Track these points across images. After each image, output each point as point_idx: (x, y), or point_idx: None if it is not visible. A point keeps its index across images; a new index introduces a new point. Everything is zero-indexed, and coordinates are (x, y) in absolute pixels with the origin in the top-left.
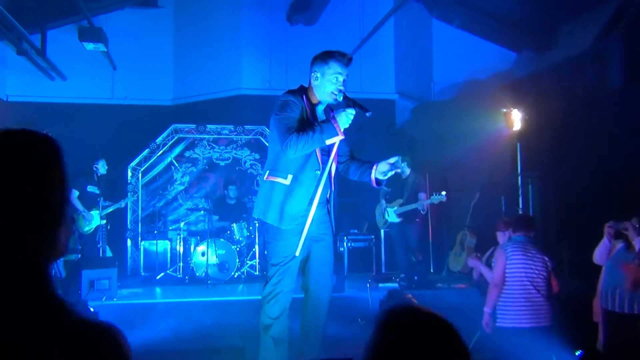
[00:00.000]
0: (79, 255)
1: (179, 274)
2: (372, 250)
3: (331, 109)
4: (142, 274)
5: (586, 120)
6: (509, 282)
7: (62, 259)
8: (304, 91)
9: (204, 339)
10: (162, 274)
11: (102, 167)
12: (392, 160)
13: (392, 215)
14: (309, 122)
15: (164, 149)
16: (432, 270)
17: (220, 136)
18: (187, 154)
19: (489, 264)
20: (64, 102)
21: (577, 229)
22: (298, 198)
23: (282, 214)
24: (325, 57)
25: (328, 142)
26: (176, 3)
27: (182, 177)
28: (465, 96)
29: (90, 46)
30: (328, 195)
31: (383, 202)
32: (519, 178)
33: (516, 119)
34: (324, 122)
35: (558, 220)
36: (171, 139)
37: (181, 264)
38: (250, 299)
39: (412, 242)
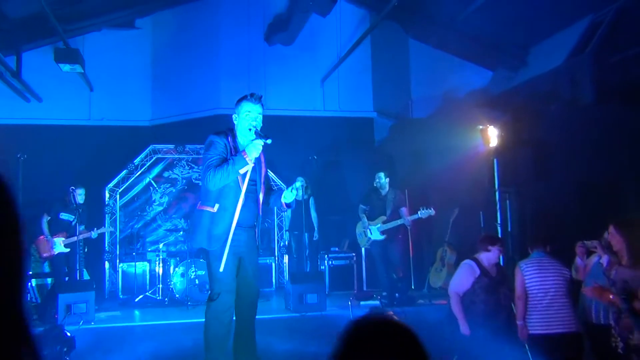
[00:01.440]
0: (53, 280)
1: (159, 296)
2: (353, 268)
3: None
4: (121, 296)
5: (561, 136)
6: (531, 294)
7: (36, 284)
8: (230, 131)
9: None
10: (141, 296)
11: (79, 196)
12: (297, 184)
13: (375, 232)
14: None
15: (142, 170)
16: (413, 287)
17: (199, 156)
18: (165, 174)
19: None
20: (40, 124)
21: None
22: (222, 222)
23: (210, 237)
24: (239, 100)
25: (241, 171)
26: (154, 24)
27: (160, 197)
28: (443, 113)
29: (66, 67)
30: (255, 220)
31: (364, 220)
32: (497, 193)
33: (492, 135)
34: (235, 155)
35: (536, 235)
36: (149, 160)
37: (161, 286)
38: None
39: (394, 259)
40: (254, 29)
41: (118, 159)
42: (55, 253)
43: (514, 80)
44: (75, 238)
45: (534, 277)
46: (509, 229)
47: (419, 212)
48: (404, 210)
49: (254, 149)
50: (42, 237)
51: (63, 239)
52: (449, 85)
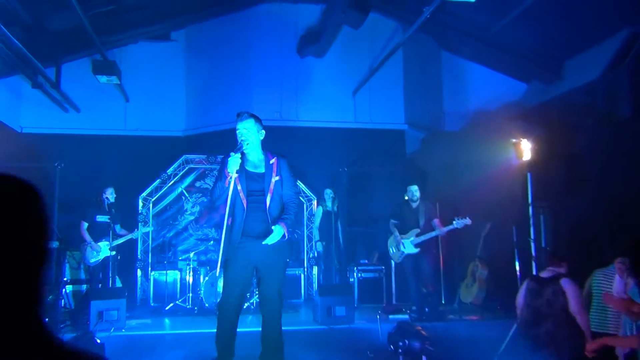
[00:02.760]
0: (88, 286)
1: (188, 305)
2: (382, 281)
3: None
4: (152, 304)
5: (596, 151)
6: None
7: (71, 290)
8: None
9: None
10: (171, 304)
11: (110, 195)
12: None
13: (409, 246)
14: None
15: (174, 180)
16: (443, 302)
17: None
18: (197, 184)
19: None
20: (78, 134)
21: (590, 260)
22: (232, 233)
23: (225, 247)
24: None
25: (225, 183)
26: (188, 36)
27: (192, 207)
28: (475, 126)
29: (103, 79)
30: (269, 229)
31: (396, 234)
32: (530, 208)
33: (526, 149)
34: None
35: (570, 251)
36: (182, 170)
37: (190, 295)
38: (258, 330)
39: (425, 273)
40: (287, 41)
41: (152, 168)
42: (102, 258)
43: (549, 94)
44: (120, 240)
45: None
46: (543, 245)
47: (454, 222)
48: (436, 221)
49: (230, 163)
50: (86, 244)
51: (107, 243)
52: (481, 98)
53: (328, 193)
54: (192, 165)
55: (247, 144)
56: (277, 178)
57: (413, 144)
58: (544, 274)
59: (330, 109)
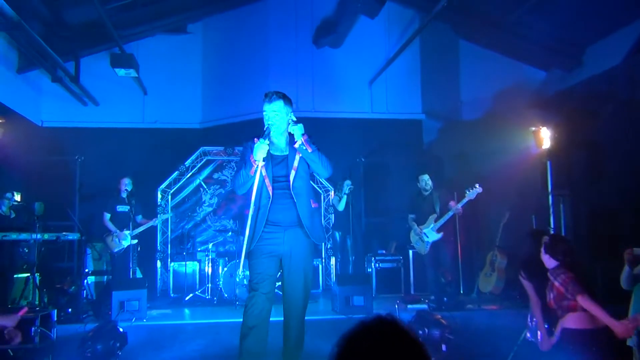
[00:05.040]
0: (110, 277)
1: (208, 295)
2: (400, 271)
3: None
4: (172, 295)
5: (617, 138)
6: None
7: (93, 281)
8: (266, 132)
9: None
10: (190, 295)
11: (128, 186)
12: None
13: (431, 233)
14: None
15: (192, 171)
16: (462, 292)
17: None
18: (215, 176)
19: None
20: (97, 127)
21: (611, 249)
22: (258, 221)
23: (250, 238)
24: None
25: (251, 172)
26: (204, 29)
27: (210, 198)
28: (494, 115)
29: (121, 72)
30: (297, 217)
31: (415, 227)
32: (550, 197)
33: (545, 137)
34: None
35: (591, 240)
36: (200, 162)
37: (210, 285)
38: (277, 320)
39: (445, 262)
40: (302, 32)
41: (170, 160)
42: (125, 246)
43: (569, 81)
44: (141, 228)
45: None
46: (563, 234)
47: (466, 195)
48: (451, 203)
49: (257, 150)
50: (111, 233)
51: (129, 231)
52: (500, 86)
53: (347, 184)
54: (209, 157)
55: (275, 128)
56: (300, 156)
57: (430, 134)
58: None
59: (346, 99)
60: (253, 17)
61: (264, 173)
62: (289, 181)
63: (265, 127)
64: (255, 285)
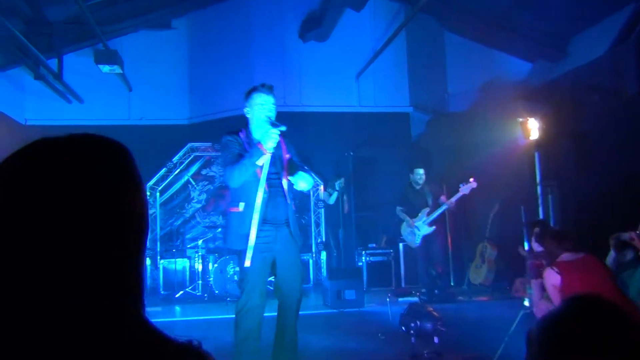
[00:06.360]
0: None
1: (199, 292)
2: (391, 264)
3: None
4: (162, 292)
5: (604, 128)
6: None
7: None
8: (243, 127)
9: (223, 358)
10: (181, 292)
11: None
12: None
13: (423, 227)
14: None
15: (180, 168)
16: (452, 284)
17: None
18: (203, 172)
19: None
20: (82, 125)
21: (598, 238)
22: (249, 220)
23: (239, 237)
24: (249, 92)
25: (259, 162)
26: (189, 24)
27: (199, 195)
28: (481, 107)
29: (106, 69)
30: (287, 216)
31: (407, 219)
32: (538, 187)
33: (533, 128)
34: (252, 149)
35: (578, 230)
36: (188, 158)
37: (200, 282)
38: (269, 315)
39: (436, 255)
40: (288, 26)
41: (157, 157)
42: None
43: (555, 72)
44: None
45: None
46: (552, 224)
47: (460, 190)
48: (442, 198)
49: (269, 139)
50: None
51: None
52: (486, 78)
53: (339, 183)
54: (197, 153)
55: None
56: (287, 156)
57: (418, 127)
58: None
59: (334, 93)
60: (238, 11)
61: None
62: (280, 179)
63: (267, 118)
64: (251, 287)
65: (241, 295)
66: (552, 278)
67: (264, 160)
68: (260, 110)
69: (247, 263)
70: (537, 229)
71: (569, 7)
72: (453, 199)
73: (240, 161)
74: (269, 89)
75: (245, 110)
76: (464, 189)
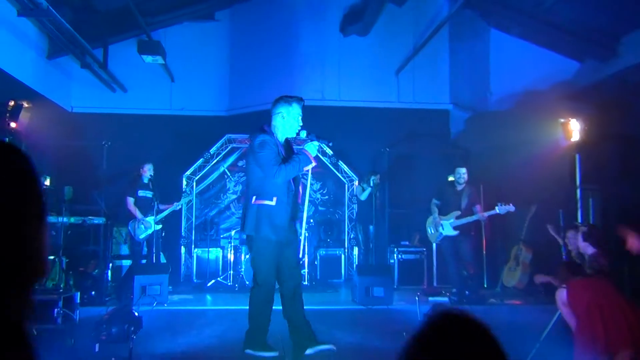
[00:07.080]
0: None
1: (230, 282)
2: (423, 263)
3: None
4: (195, 280)
5: None
6: None
7: (110, 266)
8: (270, 130)
9: None
10: (213, 281)
11: (149, 171)
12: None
13: (447, 227)
14: (283, 155)
15: (217, 159)
16: (485, 285)
17: None
18: (240, 163)
19: None
20: (125, 113)
21: None
22: (283, 214)
23: (274, 228)
24: (288, 100)
25: (305, 168)
26: (232, 17)
27: (234, 186)
28: (523, 106)
29: (149, 59)
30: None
31: (436, 214)
32: (578, 191)
33: (575, 129)
34: (298, 154)
35: (620, 237)
36: (225, 149)
37: (232, 272)
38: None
39: (465, 256)
40: (330, 20)
41: (196, 147)
42: (150, 233)
43: (602, 72)
44: (164, 213)
45: None
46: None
47: (497, 208)
48: (478, 207)
49: (314, 149)
50: (137, 220)
51: (153, 217)
52: (531, 77)
53: (374, 179)
54: (234, 145)
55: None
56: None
57: (457, 125)
58: None
59: (372, 88)
60: (281, 4)
61: None
62: (294, 182)
63: (301, 128)
64: (269, 279)
65: (259, 284)
66: (562, 296)
67: (309, 167)
68: (298, 121)
69: (301, 254)
70: (584, 228)
71: (621, 4)
72: (486, 214)
73: (292, 164)
74: (300, 100)
75: (281, 112)
76: (501, 210)
